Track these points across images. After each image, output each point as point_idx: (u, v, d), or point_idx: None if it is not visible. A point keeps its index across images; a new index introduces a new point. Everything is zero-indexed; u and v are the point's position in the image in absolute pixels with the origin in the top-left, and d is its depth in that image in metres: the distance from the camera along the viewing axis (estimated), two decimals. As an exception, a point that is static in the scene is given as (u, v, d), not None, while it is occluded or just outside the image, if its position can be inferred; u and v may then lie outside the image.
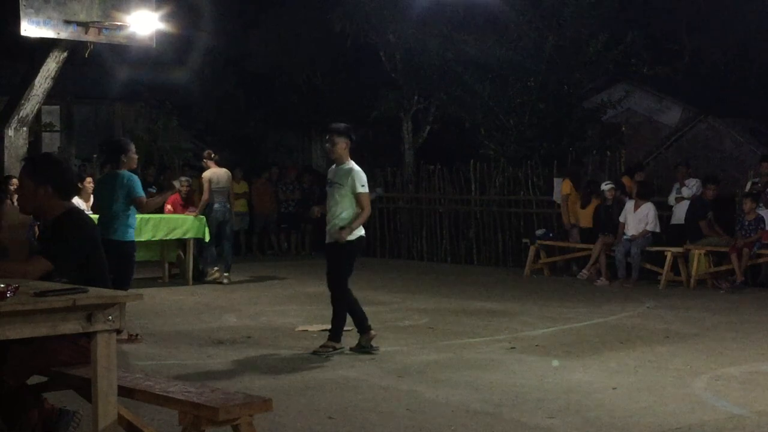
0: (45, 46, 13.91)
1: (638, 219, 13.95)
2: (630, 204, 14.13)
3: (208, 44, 21.53)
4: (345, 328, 8.85)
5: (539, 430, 6.04)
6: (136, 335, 9.12)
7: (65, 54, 14.08)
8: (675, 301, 12.10)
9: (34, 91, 14.28)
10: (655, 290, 13.23)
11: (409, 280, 14.85)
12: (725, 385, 7.27)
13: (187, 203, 14.42)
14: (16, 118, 14.43)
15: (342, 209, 8.47)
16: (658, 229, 13.98)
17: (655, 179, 16.70)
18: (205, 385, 4.91)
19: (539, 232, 15.86)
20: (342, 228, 8.41)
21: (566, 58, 17.22)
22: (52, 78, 14.23)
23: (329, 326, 8.66)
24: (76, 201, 10.18)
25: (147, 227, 13.10)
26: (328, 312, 8.69)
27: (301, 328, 9.94)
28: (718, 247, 13.58)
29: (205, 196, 13.99)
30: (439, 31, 18.51)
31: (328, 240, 8.62)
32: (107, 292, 4.56)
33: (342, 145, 8.54)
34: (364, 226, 8.73)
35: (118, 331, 4.48)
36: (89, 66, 18.07)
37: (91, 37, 13.77)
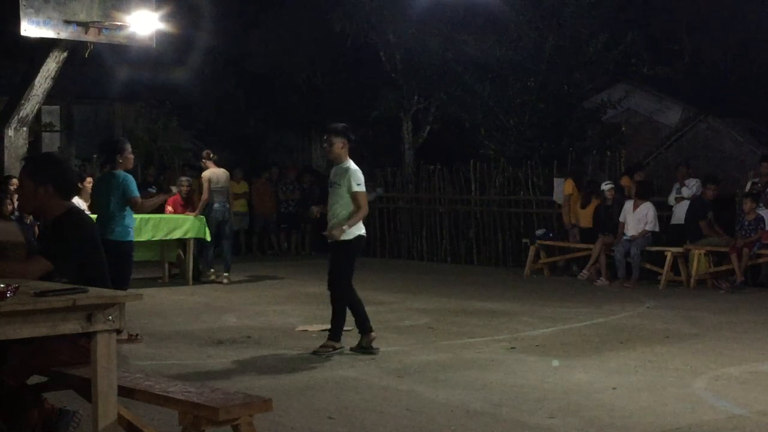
0: (45, 46, 13.90)
1: (637, 219, 13.95)
2: (629, 204, 14.13)
3: (208, 44, 21.53)
4: (345, 328, 8.85)
5: (539, 430, 6.03)
6: (136, 335, 9.12)
7: (65, 54, 14.08)
8: (675, 301, 12.10)
9: (34, 91, 14.28)
10: (655, 290, 13.23)
11: (409, 280, 14.85)
12: (725, 385, 7.27)
13: (187, 203, 14.43)
14: (16, 118, 14.43)
15: (341, 209, 8.48)
16: (657, 229, 13.98)
17: (655, 179, 16.71)
18: (205, 385, 4.91)
19: (539, 232, 15.86)
20: (342, 227, 8.42)
21: (566, 58, 17.22)
22: (52, 78, 14.23)
23: (329, 326, 8.67)
24: (76, 201, 10.16)
25: (147, 227, 13.10)
26: (328, 312, 8.69)
27: (301, 328, 9.94)
28: (718, 247, 13.58)
29: (205, 195, 13.99)
30: (439, 31, 18.52)
31: (329, 240, 8.63)
32: (107, 292, 4.56)
33: (339, 144, 8.54)
34: (364, 226, 8.73)
35: (118, 331, 4.48)
36: (89, 66, 18.07)
37: (91, 37, 13.77)
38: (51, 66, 14.08)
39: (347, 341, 8.71)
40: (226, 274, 14.07)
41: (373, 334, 8.59)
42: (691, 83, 20.67)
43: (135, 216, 13.25)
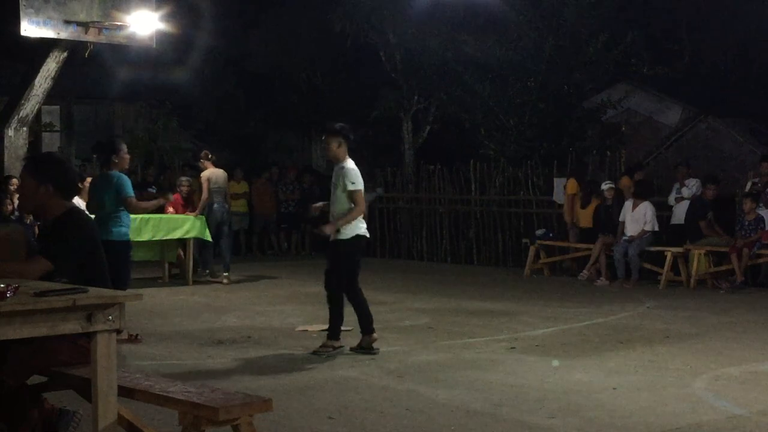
0: (45, 46, 13.90)
1: (636, 219, 13.95)
2: (629, 204, 14.13)
3: (208, 44, 21.53)
4: (346, 328, 8.85)
5: (539, 430, 6.03)
6: (136, 335, 9.12)
7: (65, 54, 14.08)
8: (675, 301, 12.10)
9: (34, 91, 14.28)
10: (655, 290, 13.23)
11: (409, 280, 14.85)
12: (725, 385, 7.27)
13: (187, 203, 14.43)
14: (16, 118, 14.43)
15: (339, 209, 8.50)
16: (656, 228, 13.97)
17: (655, 179, 16.70)
18: (205, 385, 4.90)
19: (539, 232, 15.86)
20: (335, 225, 8.45)
21: (566, 58, 17.22)
22: (52, 78, 14.23)
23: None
24: (77, 201, 10.17)
25: (147, 227, 13.10)
26: (328, 312, 8.70)
27: (301, 328, 9.94)
28: (718, 247, 13.58)
29: (205, 195, 13.99)
30: (439, 31, 18.52)
31: (320, 235, 8.63)
32: (107, 292, 4.56)
33: (335, 144, 8.54)
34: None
35: (118, 332, 4.48)
36: (89, 66, 18.07)
37: (91, 37, 13.77)
38: (51, 66, 14.08)
39: (347, 341, 8.71)
40: (225, 274, 14.07)
41: (375, 335, 8.59)
42: (691, 83, 20.66)
43: (135, 216, 13.31)
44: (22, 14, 12.96)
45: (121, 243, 8.97)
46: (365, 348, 8.53)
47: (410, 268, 16.97)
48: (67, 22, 13.41)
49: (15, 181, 12.94)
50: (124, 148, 9.50)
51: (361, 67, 21.70)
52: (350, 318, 8.86)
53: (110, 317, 4.35)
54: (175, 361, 8.25)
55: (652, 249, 13.95)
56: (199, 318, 10.81)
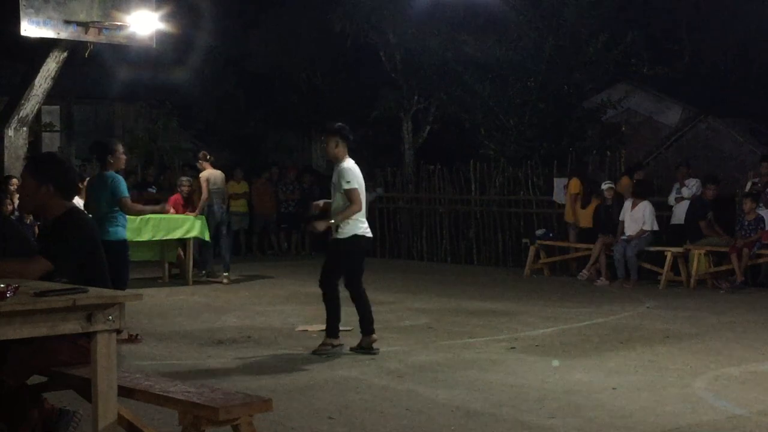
0: (45, 46, 13.90)
1: (635, 218, 13.95)
2: (628, 203, 14.14)
3: (208, 44, 21.53)
4: (346, 328, 8.86)
5: (539, 430, 6.03)
6: (136, 335, 9.11)
7: (65, 54, 14.08)
8: (675, 301, 12.10)
9: (34, 91, 14.28)
10: (655, 290, 13.23)
11: (409, 280, 14.85)
12: (725, 385, 7.27)
13: (187, 203, 14.42)
14: (16, 118, 14.43)
15: (337, 208, 8.55)
16: (655, 228, 13.95)
17: (655, 179, 16.70)
18: (205, 385, 4.90)
19: (539, 232, 15.86)
20: (328, 221, 8.52)
21: (566, 58, 17.22)
22: (52, 78, 14.23)
23: (329, 326, 8.71)
24: (76, 201, 10.18)
25: (147, 227, 13.10)
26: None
27: (301, 328, 9.94)
28: (718, 247, 13.58)
29: (205, 195, 13.99)
30: (439, 31, 18.51)
31: (311, 231, 8.72)
32: (107, 292, 4.56)
33: (332, 144, 8.57)
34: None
35: (118, 331, 4.48)
36: (89, 66, 18.07)
37: (91, 37, 13.76)
38: (51, 66, 14.08)
39: (347, 341, 8.71)
40: (225, 274, 14.07)
41: (374, 336, 8.59)
42: (691, 83, 20.65)
43: (136, 216, 13.31)
44: (22, 14, 12.96)
45: (117, 243, 8.97)
46: (365, 348, 8.53)
47: (410, 268, 16.97)
48: (67, 22, 13.41)
49: (15, 181, 12.92)
50: (120, 148, 9.51)
51: (361, 67, 21.70)
52: (351, 318, 8.87)
53: (110, 317, 4.36)
54: (175, 361, 8.25)
55: (652, 249, 13.94)
56: (199, 318, 10.81)
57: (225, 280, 13.98)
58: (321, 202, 9.02)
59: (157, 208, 11.56)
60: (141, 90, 21.87)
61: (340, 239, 8.49)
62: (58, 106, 22.20)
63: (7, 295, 4.14)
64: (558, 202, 16.23)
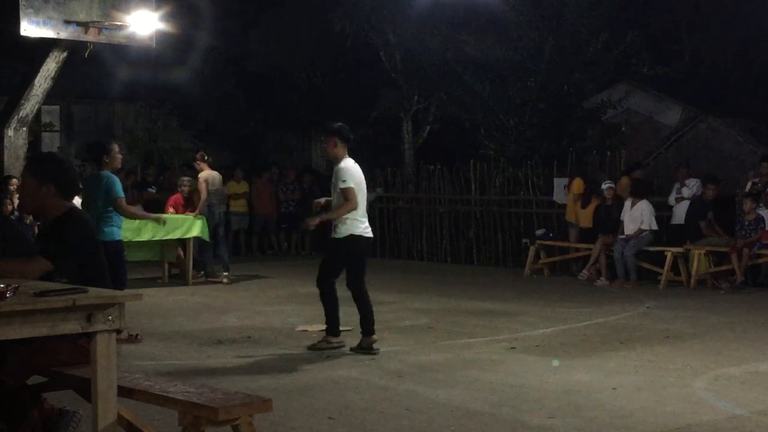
0: (45, 46, 13.90)
1: (633, 218, 13.95)
2: (628, 203, 14.14)
3: (208, 44, 21.52)
4: (346, 328, 8.86)
5: (539, 430, 6.03)
6: (136, 335, 9.11)
7: (65, 54, 14.08)
8: (675, 301, 12.09)
9: (33, 91, 14.28)
10: (655, 290, 13.22)
11: (409, 280, 14.85)
12: (725, 385, 7.27)
13: (188, 203, 14.41)
14: (15, 118, 14.43)
15: (336, 206, 8.55)
16: (654, 227, 13.93)
17: (655, 179, 16.70)
18: (205, 385, 4.90)
19: (539, 232, 15.86)
20: (321, 217, 8.61)
21: (566, 58, 17.21)
22: (51, 78, 14.23)
23: (329, 326, 8.73)
24: (76, 201, 10.18)
25: (147, 227, 13.09)
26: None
27: (301, 328, 9.94)
28: (718, 247, 13.57)
29: (204, 196, 13.98)
30: (439, 31, 18.50)
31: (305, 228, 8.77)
32: (107, 292, 4.56)
33: (331, 144, 8.62)
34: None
35: (118, 331, 4.48)
36: (89, 66, 18.06)
37: (90, 37, 13.77)
38: (51, 66, 14.08)
39: (347, 341, 8.71)
40: (225, 273, 14.08)
41: (374, 336, 8.59)
42: (691, 83, 20.65)
43: (130, 219, 13.28)
44: (21, 14, 12.97)
45: (112, 243, 8.97)
46: (365, 348, 8.53)
47: (410, 268, 16.96)
48: (67, 22, 13.41)
49: (15, 181, 12.92)
50: (116, 148, 9.52)
51: (361, 67, 21.69)
52: (351, 318, 8.87)
53: (110, 317, 4.35)
54: (175, 361, 8.25)
55: (652, 249, 13.94)
56: (199, 318, 10.81)
57: (225, 280, 13.98)
58: (323, 200, 9.05)
59: (152, 217, 11.44)
60: (141, 90, 21.87)
61: (337, 239, 8.51)
62: (57, 106, 22.19)
63: (7, 295, 4.14)
64: (558, 202, 16.23)
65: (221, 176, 14.73)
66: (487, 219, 17.58)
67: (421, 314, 11.06)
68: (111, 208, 9.13)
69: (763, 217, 13.36)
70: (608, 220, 14.41)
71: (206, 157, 14.44)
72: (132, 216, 10.03)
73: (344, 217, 8.48)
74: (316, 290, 8.79)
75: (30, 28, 13.15)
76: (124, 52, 18.10)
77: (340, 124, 8.79)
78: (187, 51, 20.85)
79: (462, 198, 18.16)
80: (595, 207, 14.83)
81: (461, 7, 18.59)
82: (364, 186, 8.74)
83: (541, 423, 6.16)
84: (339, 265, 8.63)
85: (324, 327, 8.93)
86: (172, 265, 14.42)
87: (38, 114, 17.64)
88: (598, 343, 9.11)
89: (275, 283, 14.33)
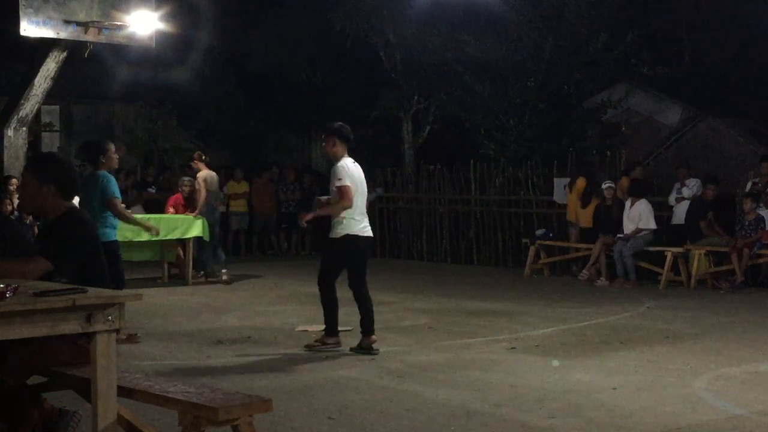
0: (45, 45, 13.90)
1: (632, 217, 13.95)
2: (628, 203, 14.14)
3: (208, 44, 21.52)
4: (345, 328, 8.86)
5: (539, 430, 6.03)
6: (135, 335, 9.10)
7: (65, 54, 14.08)
8: (675, 301, 12.09)
9: (33, 91, 14.28)
10: (655, 290, 13.22)
11: (409, 280, 14.85)
12: (725, 385, 7.27)
13: (188, 203, 14.40)
14: (15, 118, 14.43)
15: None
16: (652, 226, 13.91)
17: (655, 179, 16.70)
18: (205, 386, 4.90)
19: (539, 232, 15.86)
20: (314, 213, 8.78)
21: (566, 58, 17.21)
22: (51, 78, 14.23)
23: (329, 326, 8.73)
24: (76, 201, 10.17)
25: (146, 227, 13.07)
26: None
27: (301, 328, 9.93)
28: (718, 247, 13.57)
29: (204, 194, 13.96)
30: (439, 31, 18.50)
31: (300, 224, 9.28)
32: (107, 292, 4.56)
33: (330, 143, 8.63)
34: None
35: (117, 331, 4.48)
36: (89, 66, 18.07)
37: (90, 36, 13.77)
38: (50, 66, 14.08)
39: (348, 341, 8.71)
40: (224, 270, 14.09)
41: (374, 337, 8.58)
42: (691, 83, 20.66)
43: (138, 216, 13.27)
44: (21, 14, 12.97)
45: (108, 243, 8.94)
46: (365, 348, 8.52)
47: (410, 268, 16.96)
48: (67, 22, 13.42)
49: (15, 181, 12.93)
50: (112, 148, 9.50)
51: (361, 67, 21.69)
52: (351, 318, 8.87)
53: (110, 317, 4.35)
54: (175, 361, 8.25)
55: (652, 249, 13.94)
56: (199, 318, 10.80)
57: (225, 277, 13.99)
58: (324, 198, 9.05)
59: (145, 225, 11.10)
60: (141, 90, 21.86)
61: (334, 239, 8.52)
62: (57, 106, 22.19)
63: (7, 295, 4.13)
64: (558, 202, 16.23)
65: (217, 176, 14.71)
66: (487, 219, 17.58)
67: (421, 314, 11.06)
68: (107, 209, 9.12)
69: (763, 217, 13.36)
70: (608, 220, 14.40)
71: (203, 157, 14.42)
72: (125, 219, 9.77)
73: (341, 216, 8.47)
74: (316, 290, 8.79)
75: (30, 28, 13.15)
76: (123, 52, 18.10)
77: (339, 123, 8.79)
78: (187, 51, 20.85)
79: (462, 198, 18.16)
80: (595, 207, 14.82)
81: (461, 7, 18.58)
82: (364, 185, 8.73)
83: (541, 423, 6.15)
84: (338, 265, 8.63)
85: (324, 327, 8.93)
86: (172, 265, 14.41)
87: (38, 114, 17.64)
88: (598, 343, 9.11)
89: (275, 283, 14.33)
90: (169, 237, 13.51)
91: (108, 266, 6.85)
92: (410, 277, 15.50)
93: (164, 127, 21.21)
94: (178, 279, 14.16)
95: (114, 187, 9.23)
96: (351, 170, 8.54)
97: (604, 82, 18.54)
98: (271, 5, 22.25)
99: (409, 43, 19.06)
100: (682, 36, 22.36)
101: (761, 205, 13.54)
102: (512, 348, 8.84)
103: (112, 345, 4.38)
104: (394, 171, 19.32)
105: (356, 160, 8.79)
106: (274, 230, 19.39)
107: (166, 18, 14.55)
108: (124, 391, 4.60)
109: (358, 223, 8.54)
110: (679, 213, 14.47)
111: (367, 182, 9.06)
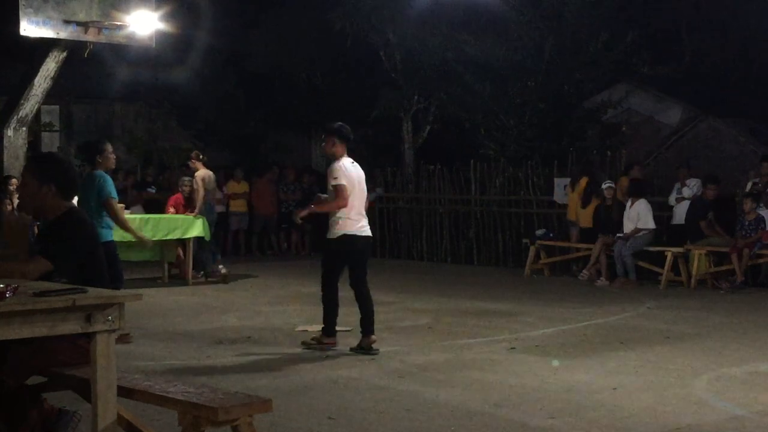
0: (44, 45, 13.89)
1: (630, 217, 13.95)
2: (629, 203, 14.14)
3: (208, 44, 21.52)
4: (345, 329, 8.85)
5: (539, 430, 6.02)
6: (127, 335, 9.02)
7: (64, 54, 14.07)
8: (675, 302, 12.09)
9: (33, 91, 14.27)
10: (655, 290, 13.22)
11: (409, 280, 14.84)
12: (726, 386, 7.27)
13: (188, 203, 14.40)
14: (15, 118, 14.42)
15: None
16: (651, 225, 13.89)
17: (655, 179, 16.69)
18: (205, 386, 4.89)
19: (539, 232, 15.85)
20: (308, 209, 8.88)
21: (566, 58, 17.21)
22: (51, 78, 14.22)
23: (330, 326, 8.73)
24: (75, 201, 10.15)
25: (147, 227, 13.07)
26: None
27: (301, 328, 9.92)
28: (718, 247, 13.57)
29: (202, 193, 13.95)
30: (440, 31, 18.51)
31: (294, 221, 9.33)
32: (106, 292, 4.55)
33: (329, 143, 8.65)
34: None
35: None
36: (89, 66, 18.06)
37: (90, 36, 13.76)
38: (50, 66, 14.07)
39: (348, 341, 8.70)
40: (221, 266, 14.11)
41: (373, 337, 8.57)
42: (691, 83, 20.66)
43: (135, 216, 13.27)
44: (21, 14, 12.96)
45: (104, 244, 8.92)
46: (365, 348, 8.52)
47: (410, 268, 16.96)
48: (67, 22, 13.41)
49: (14, 181, 12.92)
50: (109, 148, 9.49)
51: (361, 67, 21.69)
52: (351, 318, 8.86)
53: (109, 317, 4.35)
54: (175, 361, 8.24)
55: (652, 249, 13.93)
56: (199, 318, 10.80)
57: (223, 270, 14.00)
58: (324, 197, 9.06)
59: (138, 235, 10.68)
60: (140, 90, 21.86)
61: (331, 239, 8.53)
62: (57, 106, 22.19)
63: (7, 295, 4.13)
64: (558, 202, 16.22)
65: (214, 175, 14.70)
66: (487, 219, 17.57)
67: (421, 314, 11.05)
68: (104, 209, 9.11)
69: (763, 217, 13.35)
70: (608, 220, 14.40)
71: (201, 156, 14.41)
72: (119, 222, 9.61)
73: (337, 216, 8.47)
74: (316, 290, 8.80)
75: (29, 28, 13.15)
76: (123, 51, 18.11)
77: (339, 123, 8.78)
78: (187, 51, 20.85)
79: (462, 198, 18.15)
80: (595, 207, 14.82)
81: (461, 7, 18.58)
82: (363, 185, 8.72)
83: (541, 423, 6.15)
84: (337, 266, 8.62)
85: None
86: (172, 265, 14.40)
87: (38, 114, 17.63)
88: (598, 344, 9.10)
89: (275, 283, 14.32)
90: (169, 237, 13.51)
91: (108, 266, 6.86)
92: (410, 277, 15.49)
93: (164, 127, 21.20)
94: (178, 279, 14.15)
95: (110, 187, 9.20)
96: (347, 170, 8.53)
97: (604, 82, 18.54)
98: (271, 5, 22.25)
99: (409, 43, 19.06)
100: (682, 36, 22.36)
101: (761, 205, 13.54)
102: (512, 348, 8.83)
103: (112, 345, 4.38)
104: (394, 171, 19.31)
105: (356, 160, 8.79)
106: (274, 230, 19.39)
107: (166, 18, 14.54)
108: (123, 392, 4.59)
109: (355, 222, 8.53)
110: (680, 213, 14.47)
111: (367, 182, 9.06)
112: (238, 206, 18.65)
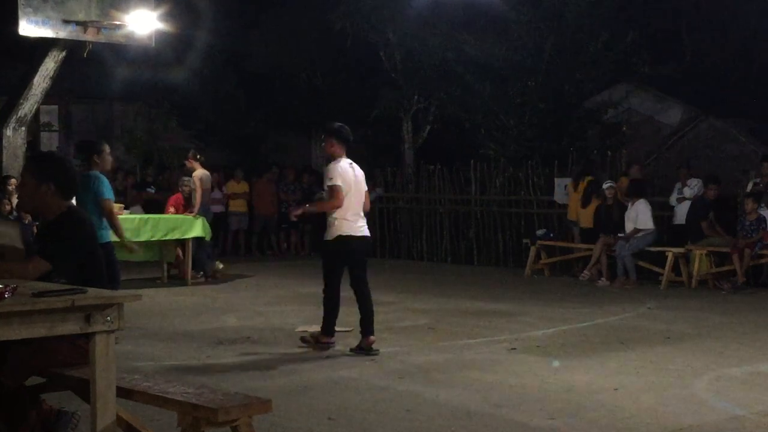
0: (43, 45, 13.89)
1: (630, 217, 13.95)
2: (630, 203, 14.14)
3: (208, 44, 21.51)
4: (345, 329, 8.84)
5: (539, 430, 6.01)
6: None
7: (64, 53, 14.06)
8: (676, 302, 12.08)
9: (32, 91, 14.26)
10: (656, 291, 13.21)
11: (409, 280, 14.83)
12: (726, 386, 7.25)
13: (188, 204, 14.38)
14: (14, 117, 14.41)
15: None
16: (651, 226, 13.88)
17: (656, 179, 16.68)
18: (205, 386, 4.88)
19: (540, 232, 15.85)
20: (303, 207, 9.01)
21: (566, 58, 17.21)
22: (50, 77, 14.21)
23: (330, 326, 8.72)
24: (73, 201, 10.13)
25: (146, 227, 13.07)
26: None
27: (300, 328, 9.90)
28: (719, 247, 13.56)
29: (200, 194, 13.93)
30: (440, 31, 18.50)
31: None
32: (106, 293, 4.54)
33: (329, 144, 8.64)
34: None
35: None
36: (88, 65, 18.05)
37: (89, 36, 13.76)
38: (49, 65, 14.06)
39: (347, 341, 8.69)
40: (217, 262, 14.12)
41: (372, 338, 8.55)
42: (691, 83, 20.66)
43: (134, 216, 13.26)
44: (20, 13, 12.96)
45: (102, 245, 8.90)
46: (364, 349, 8.51)
47: (410, 268, 16.95)
48: (66, 22, 13.40)
49: (14, 180, 12.91)
50: (107, 149, 9.47)
51: (361, 67, 21.69)
52: (351, 318, 8.85)
53: (109, 318, 4.33)
54: (174, 361, 8.23)
55: (653, 249, 13.93)
56: (198, 318, 10.78)
57: (221, 266, 14.00)
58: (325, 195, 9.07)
59: (126, 244, 10.24)
60: (140, 90, 21.85)
61: (328, 241, 8.52)
62: (56, 106, 22.18)
63: (6, 295, 4.12)
64: (559, 202, 16.21)
65: (210, 175, 14.71)
66: (487, 219, 17.57)
67: (421, 314, 11.04)
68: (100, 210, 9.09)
69: (764, 217, 13.34)
70: (609, 220, 14.39)
71: (198, 156, 14.39)
72: (113, 224, 9.46)
73: (333, 217, 8.46)
74: (316, 290, 8.78)
75: (29, 28, 13.14)
76: (123, 51, 18.10)
77: (339, 124, 8.76)
78: (187, 51, 20.84)
79: (462, 198, 18.15)
80: (595, 207, 14.81)
81: (461, 7, 18.58)
82: (361, 186, 8.69)
83: (542, 424, 6.13)
84: (336, 266, 8.60)
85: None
86: (172, 265, 14.39)
87: (37, 114, 17.62)
88: (598, 344, 9.09)
89: (275, 283, 14.31)
90: (168, 237, 13.50)
91: (106, 267, 6.83)
92: (410, 277, 15.49)
93: (164, 127, 21.19)
94: (177, 279, 14.14)
95: (106, 187, 9.17)
96: (344, 170, 8.51)
97: (604, 82, 18.54)
98: (271, 5, 22.24)
99: (409, 43, 19.06)
100: (682, 36, 22.36)
101: (762, 205, 13.53)
102: (512, 348, 8.82)
103: (112, 345, 4.36)
104: (394, 171, 19.31)
105: (356, 160, 8.77)
106: (274, 230, 19.39)
107: (165, 17, 14.54)
108: (123, 392, 4.58)
109: (352, 223, 8.51)
110: (680, 213, 14.46)
111: (367, 182, 9.03)
112: (238, 206, 18.64)
